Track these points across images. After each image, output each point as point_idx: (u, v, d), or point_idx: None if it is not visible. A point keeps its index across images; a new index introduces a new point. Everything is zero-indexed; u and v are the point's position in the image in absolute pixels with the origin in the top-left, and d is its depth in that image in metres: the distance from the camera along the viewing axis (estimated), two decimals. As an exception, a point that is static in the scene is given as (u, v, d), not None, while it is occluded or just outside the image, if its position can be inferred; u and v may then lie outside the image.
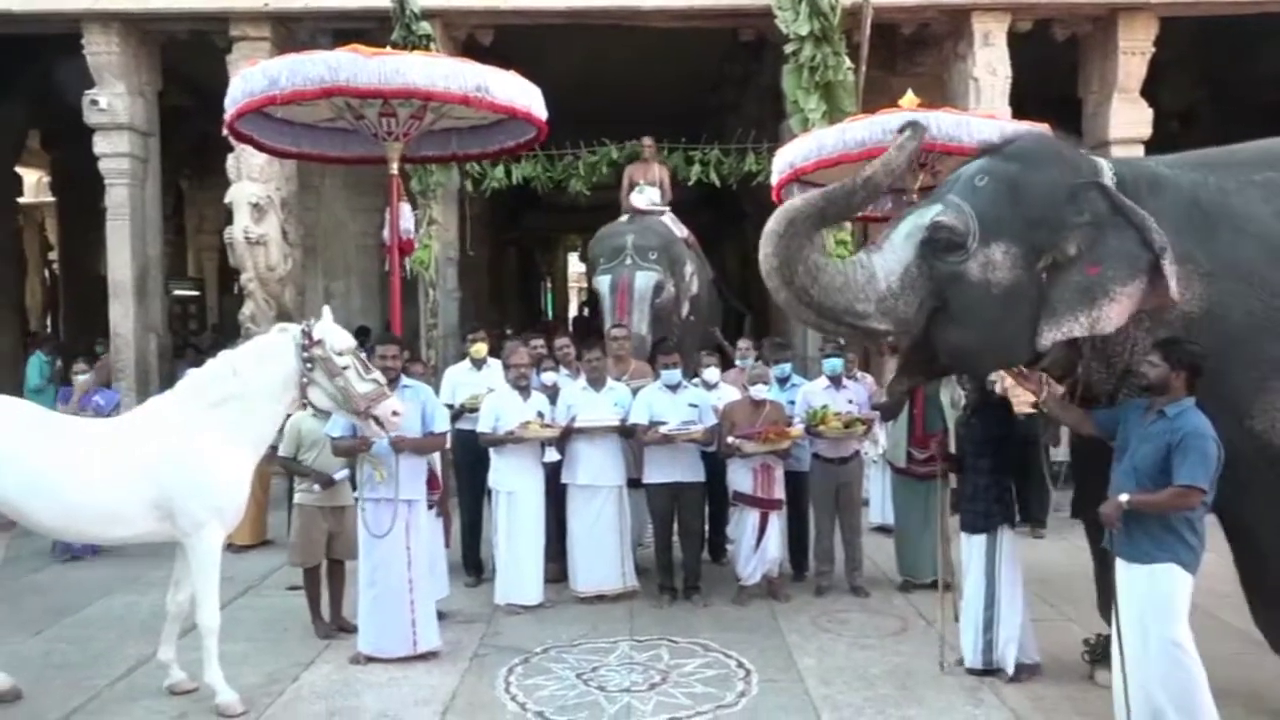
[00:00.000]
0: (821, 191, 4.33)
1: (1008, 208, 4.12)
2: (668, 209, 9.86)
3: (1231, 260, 4.15)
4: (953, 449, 5.64)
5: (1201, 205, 4.25)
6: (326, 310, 4.97)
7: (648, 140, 10.10)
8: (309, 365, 4.76)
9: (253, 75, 5.72)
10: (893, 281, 4.16)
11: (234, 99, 5.88)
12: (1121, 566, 4.08)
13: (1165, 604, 3.94)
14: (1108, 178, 4.18)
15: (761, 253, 4.14)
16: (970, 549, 5.10)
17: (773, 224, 4.13)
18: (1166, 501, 3.90)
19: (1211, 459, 3.86)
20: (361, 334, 10.56)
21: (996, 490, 5.03)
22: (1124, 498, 3.96)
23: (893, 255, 4.21)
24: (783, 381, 6.96)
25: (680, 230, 9.64)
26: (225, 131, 6.47)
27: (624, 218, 9.65)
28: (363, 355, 4.98)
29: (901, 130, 4.39)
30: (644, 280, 8.48)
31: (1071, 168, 4.23)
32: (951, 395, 6.33)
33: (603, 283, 8.72)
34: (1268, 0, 9.68)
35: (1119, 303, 4.00)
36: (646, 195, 9.74)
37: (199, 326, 16.87)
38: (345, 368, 4.78)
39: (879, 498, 8.17)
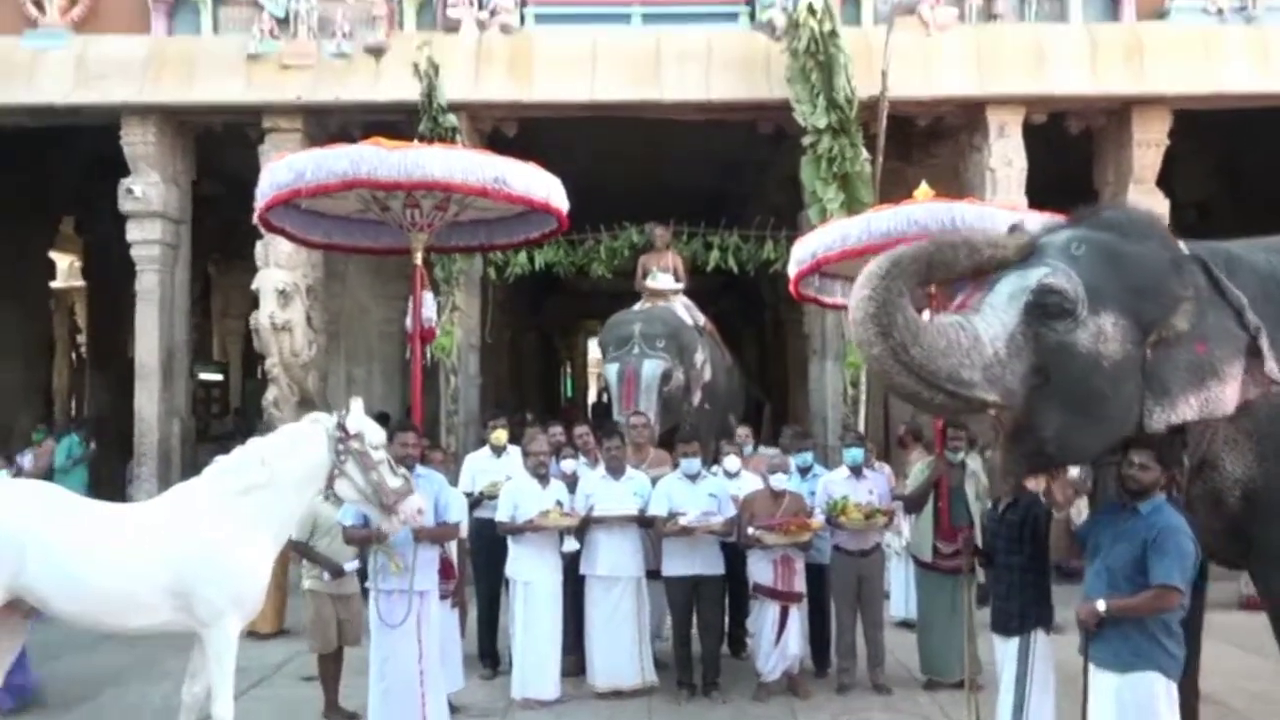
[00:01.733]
0: (931, 240, 4.07)
1: (1112, 277, 3.81)
2: (682, 289, 9.96)
3: None
4: (979, 542, 5.55)
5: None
6: (357, 402, 4.99)
7: (660, 229, 10.20)
8: (342, 458, 4.77)
9: (280, 169, 5.87)
10: (999, 347, 3.75)
11: (263, 191, 6.03)
12: (1095, 673, 3.91)
13: (1149, 714, 3.78)
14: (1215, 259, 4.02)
15: (856, 296, 3.72)
16: (1003, 652, 4.96)
17: (874, 265, 3.76)
18: (1145, 605, 3.77)
19: (1189, 557, 3.74)
20: (381, 420, 10.58)
21: (1033, 591, 4.86)
22: (1101, 606, 3.82)
23: (996, 319, 3.81)
24: (804, 471, 6.92)
25: (694, 317, 9.69)
26: (257, 222, 6.61)
27: (637, 305, 9.73)
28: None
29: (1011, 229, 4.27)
30: (650, 369, 8.50)
31: (1166, 239, 4.04)
32: (976, 488, 6.26)
33: (611, 371, 8.79)
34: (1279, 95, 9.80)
35: (1228, 384, 3.79)
36: (660, 281, 9.84)
37: (221, 410, 16.99)
38: (380, 461, 4.81)
39: (901, 591, 8.04)
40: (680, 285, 9.96)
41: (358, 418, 4.85)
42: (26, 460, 9.08)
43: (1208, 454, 4.02)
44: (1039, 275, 3.80)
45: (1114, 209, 4.34)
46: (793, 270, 7.18)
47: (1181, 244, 4.07)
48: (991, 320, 3.80)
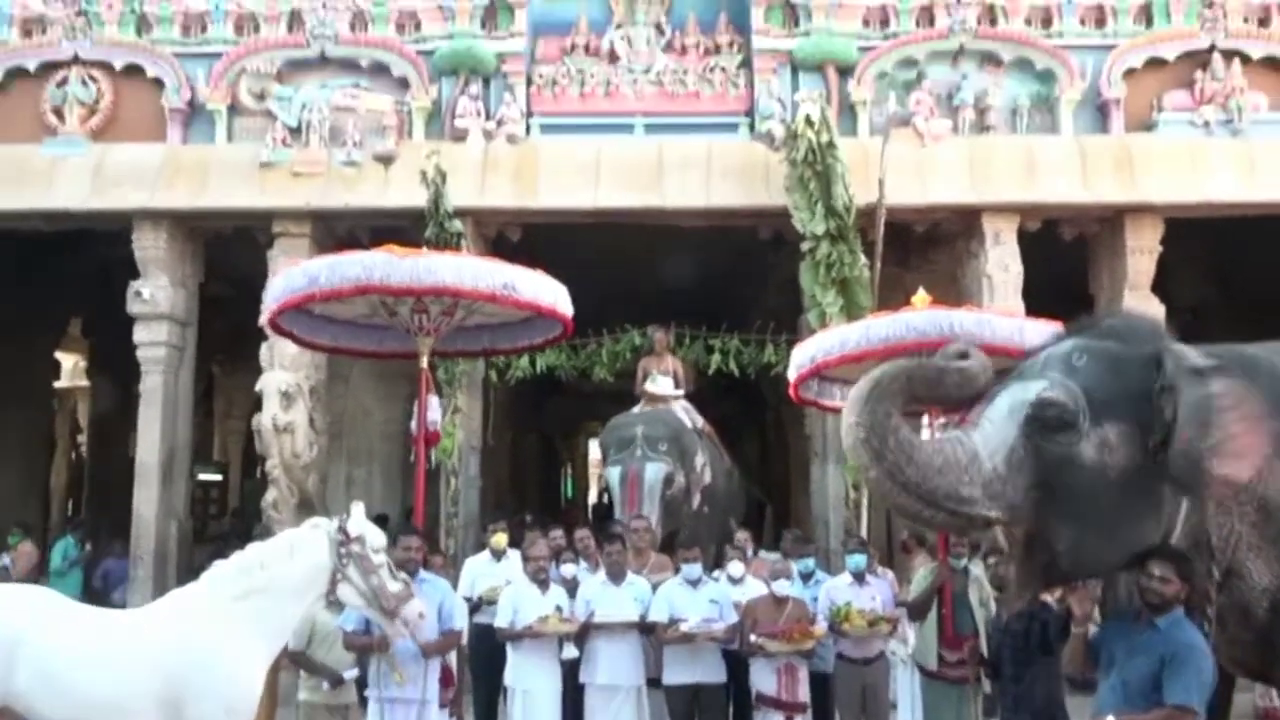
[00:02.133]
0: (912, 360, 4.10)
1: (1113, 385, 3.77)
2: (683, 394, 9.96)
3: None
4: (984, 651, 5.47)
5: None
6: (358, 506, 4.99)
7: (659, 334, 10.28)
8: (344, 561, 4.75)
9: (295, 274, 6.00)
10: (998, 462, 3.70)
11: (275, 295, 6.14)
12: None
13: None
14: (1201, 360, 3.91)
15: (845, 422, 3.73)
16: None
17: (857, 388, 3.77)
18: None
19: (1207, 675, 3.65)
20: (380, 522, 10.51)
21: (1044, 703, 4.75)
22: None
23: (995, 433, 3.77)
24: (806, 577, 6.85)
25: (693, 420, 9.70)
26: (265, 324, 6.71)
27: (637, 407, 9.75)
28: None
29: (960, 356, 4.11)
30: (653, 472, 8.49)
31: (1165, 344, 4.00)
32: (980, 594, 6.19)
33: (613, 474, 8.76)
34: (1269, 203, 10.00)
35: (1241, 455, 3.68)
36: (660, 385, 9.85)
37: (219, 511, 16.87)
38: (380, 565, 4.78)
39: (908, 700, 7.83)
40: (680, 391, 9.96)
41: (359, 521, 4.84)
42: (6, 560, 8.89)
43: (1233, 563, 3.91)
44: (1038, 388, 3.79)
45: (1115, 317, 4.28)
46: (793, 374, 7.25)
47: (1189, 349, 3.99)
48: (990, 435, 3.78)
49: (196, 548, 10.92)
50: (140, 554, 10.14)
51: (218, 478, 18.05)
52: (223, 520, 15.63)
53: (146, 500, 10.26)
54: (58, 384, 17.33)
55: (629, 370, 11.00)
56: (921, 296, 6.85)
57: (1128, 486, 3.71)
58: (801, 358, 7.06)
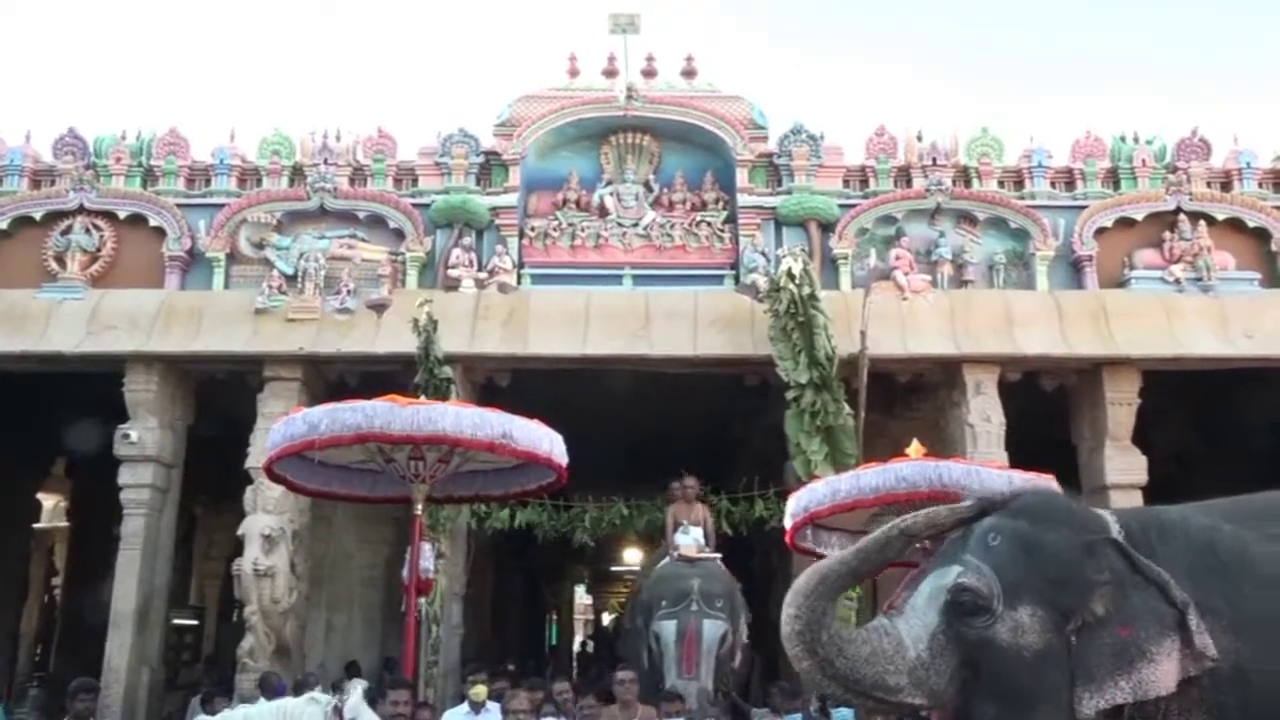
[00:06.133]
0: (854, 549, 4.20)
1: (1026, 567, 3.91)
2: (719, 555, 9.66)
3: (1261, 612, 3.89)
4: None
5: (1218, 553, 4.05)
6: (357, 686, 4.97)
7: (690, 481, 10.20)
8: None
9: (295, 421, 6.07)
10: (922, 649, 3.85)
11: (275, 442, 6.18)
12: None
13: None
14: (1116, 532, 4.04)
15: (785, 613, 3.89)
16: None
17: (801, 582, 3.92)
18: None
19: None
20: (352, 669, 10.27)
21: None
22: None
23: (918, 621, 3.93)
24: (794, 734, 6.69)
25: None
26: (261, 469, 6.73)
27: (666, 560, 9.52)
28: None
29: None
30: (712, 630, 8.26)
31: (1081, 524, 4.09)
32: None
33: (667, 629, 8.42)
34: (1242, 358, 10.24)
35: (1158, 664, 3.77)
36: (692, 535, 9.64)
37: (193, 657, 16.38)
38: None
39: None
40: (712, 548, 9.68)
41: (354, 705, 4.78)
42: None
43: None
44: (955, 574, 3.95)
45: (1031, 494, 4.37)
46: (788, 523, 7.26)
47: (1109, 514, 4.16)
48: (914, 622, 3.94)
49: (167, 695, 10.57)
50: (109, 703, 9.78)
51: (193, 622, 17.57)
52: (195, 667, 15.15)
53: (119, 647, 9.98)
54: (36, 525, 17.07)
55: (611, 535, 10.87)
56: (916, 448, 6.92)
57: (1041, 667, 3.82)
58: (795, 507, 7.09)
